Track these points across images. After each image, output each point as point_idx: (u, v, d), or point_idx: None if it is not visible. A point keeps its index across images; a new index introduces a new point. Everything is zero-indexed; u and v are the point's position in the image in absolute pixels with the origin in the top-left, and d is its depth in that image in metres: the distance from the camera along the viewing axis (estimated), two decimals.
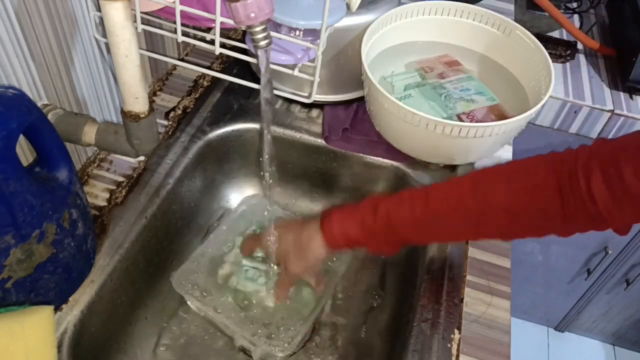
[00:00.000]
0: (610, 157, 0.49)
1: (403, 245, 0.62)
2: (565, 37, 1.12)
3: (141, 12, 0.63)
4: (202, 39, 0.71)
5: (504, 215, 0.55)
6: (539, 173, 0.54)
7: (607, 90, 1.02)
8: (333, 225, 0.62)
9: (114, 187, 0.72)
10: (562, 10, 1.10)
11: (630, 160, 0.47)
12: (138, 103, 0.60)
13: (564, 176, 0.51)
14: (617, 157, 0.49)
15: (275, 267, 0.75)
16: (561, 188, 0.52)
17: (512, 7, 1.12)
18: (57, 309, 0.59)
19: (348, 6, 0.72)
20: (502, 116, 0.77)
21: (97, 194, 0.71)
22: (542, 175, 0.53)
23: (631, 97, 1.01)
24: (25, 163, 0.59)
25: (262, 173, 0.68)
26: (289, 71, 0.67)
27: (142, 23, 0.64)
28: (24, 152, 0.61)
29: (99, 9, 0.63)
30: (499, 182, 0.55)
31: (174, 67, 0.90)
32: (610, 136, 1.03)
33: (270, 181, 0.70)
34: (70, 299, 0.61)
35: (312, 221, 0.65)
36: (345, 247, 0.63)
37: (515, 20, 0.99)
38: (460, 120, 0.75)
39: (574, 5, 1.14)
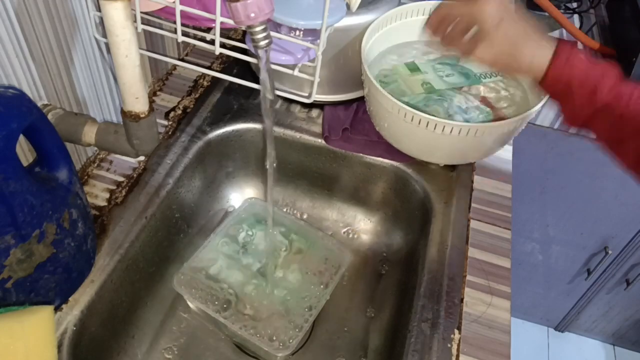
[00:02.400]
0: None
1: (590, 126, 0.58)
2: (565, 37, 1.12)
3: (141, 12, 0.63)
4: (202, 39, 0.71)
5: None
6: None
7: None
8: (571, 58, 0.56)
9: (114, 187, 0.72)
10: (562, 10, 1.10)
11: None
12: (138, 103, 0.60)
13: None
14: None
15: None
16: None
17: (511, 7, 1.12)
18: (57, 309, 0.59)
19: (348, 6, 0.72)
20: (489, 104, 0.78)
21: (97, 194, 0.71)
22: None
23: None
24: (25, 163, 0.59)
25: (266, 166, 0.66)
26: (289, 71, 0.67)
27: (142, 23, 0.64)
28: (24, 152, 0.61)
29: (99, 9, 0.63)
30: None
31: (174, 67, 0.90)
32: None
33: (270, 182, 0.70)
34: (70, 299, 0.61)
35: (548, 39, 0.58)
36: (551, 90, 0.58)
37: None
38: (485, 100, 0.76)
39: (574, 5, 1.14)
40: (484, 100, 0.78)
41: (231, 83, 0.83)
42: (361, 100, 0.83)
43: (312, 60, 0.67)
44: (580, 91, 0.56)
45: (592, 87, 0.56)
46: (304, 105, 0.86)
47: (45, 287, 0.55)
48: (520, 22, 0.60)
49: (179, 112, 0.84)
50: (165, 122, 0.81)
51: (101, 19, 0.59)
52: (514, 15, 0.59)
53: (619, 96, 0.55)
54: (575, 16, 1.16)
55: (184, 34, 0.65)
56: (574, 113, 0.58)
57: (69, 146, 0.65)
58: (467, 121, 0.73)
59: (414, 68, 0.81)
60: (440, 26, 0.65)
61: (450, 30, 0.64)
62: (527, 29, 0.59)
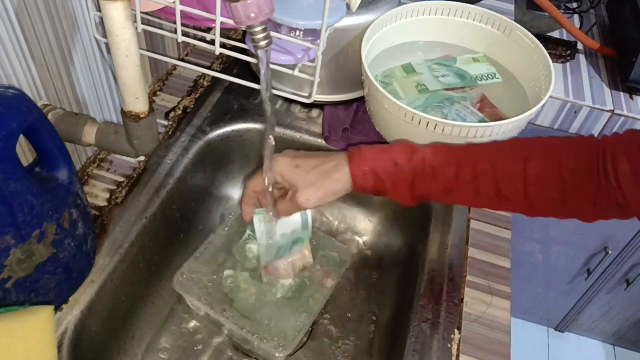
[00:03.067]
0: (635, 143, 0.51)
1: (424, 200, 0.60)
2: (565, 37, 1.12)
3: (141, 12, 0.63)
4: (202, 39, 0.71)
5: (537, 185, 0.55)
6: (576, 154, 0.55)
7: (607, 90, 1.02)
8: (365, 159, 0.59)
9: (114, 187, 0.72)
10: (562, 10, 1.10)
11: None
12: (138, 103, 0.60)
13: (594, 159, 0.53)
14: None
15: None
16: (593, 173, 0.53)
17: (512, 7, 1.12)
18: (57, 309, 0.59)
19: (348, 6, 0.72)
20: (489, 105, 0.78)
21: (97, 194, 0.71)
22: (579, 156, 0.54)
23: (631, 97, 1.01)
24: (25, 163, 0.59)
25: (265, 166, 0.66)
26: (289, 71, 0.67)
27: (142, 23, 0.64)
28: (24, 152, 0.61)
29: (99, 9, 0.63)
30: (537, 152, 0.57)
31: (174, 67, 0.90)
32: None
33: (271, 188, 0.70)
34: (70, 299, 0.61)
35: (336, 153, 0.61)
36: (368, 187, 0.60)
37: (515, 20, 0.99)
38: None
39: (574, 5, 1.14)
40: (483, 101, 0.78)
41: (231, 83, 0.83)
42: (361, 100, 0.83)
43: (312, 60, 0.67)
44: (387, 177, 0.59)
45: (393, 166, 0.59)
46: (304, 105, 0.86)
47: (45, 287, 0.55)
48: (311, 158, 0.62)
49: (179, 112, 0.84)
50: (165, 122, 0.81)
51: (101, 19, 0.59)
52: (305, 155, 0.62)
53: (419, 160, 0.58)
54: (575, 16, 1.16)
55: (184, 34, 0.65)
56: (400, 195, 0.61)
57: (69, 146, 0.65)
58: None
59: (410, 69, 0.81)
60: (253, 207, 0.67)
61: (272, 204, 0.65)
62: (318, 158, 0.62)
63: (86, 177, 0.73)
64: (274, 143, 0.60)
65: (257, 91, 0.64)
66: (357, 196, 0.87)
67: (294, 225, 0.69)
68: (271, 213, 0.65)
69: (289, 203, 0.62)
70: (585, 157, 0.54)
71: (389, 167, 0.58)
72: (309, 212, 0.68)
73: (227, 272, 0.77)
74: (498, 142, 0.61)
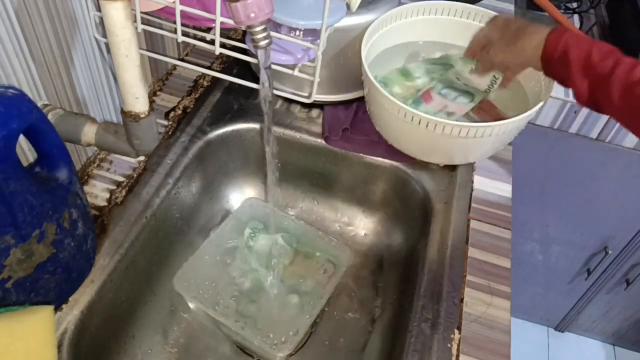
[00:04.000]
0: None
1: (593, 99, 0.61)
2: None
3: (141, 12, 0.63)
4: (202, 39, 0.71)
5: None
6: None
7: None
8: (563, 38, 0.61)
9: (114, 187, 0.72)
10: (562, 10, 1.10)
11: None
12: (138, 103, 0.60)
13: None
14: None
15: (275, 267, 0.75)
16: None
17: (512, 7, 1.12)
18: (57, 309, 0.59)
19: (348, 6, 0.72)
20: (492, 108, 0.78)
21: (97, 194, 0.71)
22: None
23: None
24: (25, 163, 0.59)
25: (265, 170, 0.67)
26: (289, 71, 0.67)
27: (142, 23, 0.64)
28: (24, 152, 0.61)
29: (99, 9, 0.63)
30: None
31: (174, 67, 0.90)
32: (610, 136, 1.03)
33: (273, 184, 0.70)
34: (70, 299, 0.61)
35: (538, 25, 0.65)
36: (555, 63, 0.62)
37: None
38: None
39: (574, 5, 1.14)
40: (484, 102, 0.78)
41: (231, 83, 0.83)
42: (361, 100, 0.83)
43: (312, 60, 0.67)
44: (577, 63, 0.60)
45: (585, 56, 0.60)
46: (304, 105, 0.86)
47: (45, 287, 0.55)
48: (519, 20, 0.68)
49: (179, 112, 0.84)
50: (165, 122, 0.81)
51: (101, 19, 0.59)
52: (516, 18, 0.68)
53: (616, 63, 0.58)
54: (575, 16, 1.16)
55: (184, 34, 0.65)
56: (579, 89, 0.61)
57: (69, 146, 0.65)
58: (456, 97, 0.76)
59: (406, 73, 0.81)
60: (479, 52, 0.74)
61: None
62: (525, 23, 0.67)
63: (86, 177, 0.73)
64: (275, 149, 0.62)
65: (257, 91, 0.64)
66: (357, 196, 0.88)
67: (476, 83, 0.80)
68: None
69: (486, 56, 0.71)
70: None
71: (580, 56, 0.60)
72: None
73: (227, 272, 0.77)
74: None
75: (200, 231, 0.84)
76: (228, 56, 0.86)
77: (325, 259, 0.78)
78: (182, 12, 0.61)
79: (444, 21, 0.86)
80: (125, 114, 0.61)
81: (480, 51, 0.73)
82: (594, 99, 0.61)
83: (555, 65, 0.63)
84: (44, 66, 0.60)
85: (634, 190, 1.11)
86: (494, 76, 0.79)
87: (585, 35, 0.64)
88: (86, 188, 0.71)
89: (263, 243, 0.80)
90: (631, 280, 1.29)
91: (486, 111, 0.78)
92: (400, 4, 0.83)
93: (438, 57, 0.86)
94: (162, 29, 0.70)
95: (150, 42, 0.79)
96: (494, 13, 0.83)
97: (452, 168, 0.80)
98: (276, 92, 0.76)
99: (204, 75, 0.90)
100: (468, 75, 0.80)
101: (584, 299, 1.41)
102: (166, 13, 0.64)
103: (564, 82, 0.63)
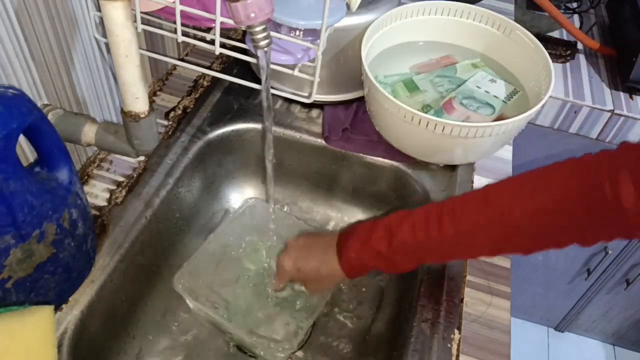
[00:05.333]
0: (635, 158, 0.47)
1: (420, 264, 0.62)
2: (565, 37, 1.12)
3: (141, 12, 0.63)
4: (202, 39, 0.71)
5: (523, 235, 0.53)
6: (560, 186, 0.50)
7: (607, 90, 1.02)
8: (351, 257, 0.62)
9: (114, 187, 0.72)
10: (562, 10, 1.10)
11: None
12: (138, 103, 0.60)
13: (588, 186, 0.48)
14: None
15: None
16: (585, 200, 0.48)
17: (512, 7, 1.12)
18: (57, 309, 0.59)
19: (348, 6, 0.72)
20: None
21: (97, 194, 0.71)
22: (563, 188, 0.50)
23: (631, 97, 1.01)
24: (25, 163, 0.59)
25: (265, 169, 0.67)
26: (289, 71, 0.67)
27: (142, 23, 0.64)
28: (24, 152, 0.61)
29: (99, 9, 0.63)
30: (516, 200, 0.52)
31: (174, 67, 0.90)
32: (610, 135, 1.03)
33: (271, 181, 0.70)
34: (70, 299, 0.61)
35: (329, 250, 0.64)
36: (363, 274, 0.63)
37: (515, 20, 0.99)
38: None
39: (574, 5, 1.14)
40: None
41: (231, 83, 0.83)
42: (361, 100, 0.83)
43: (312, 60, 0.67)
44: (376, 263, 0.61)
45: (377, 255, 0.60)
46: (304, 105, 0.86)
47: (45, 287, 0.55)
48: (310, 259, 0.67)
49: (179, 112, 0.84)
50: (165, 122, 0.81)
51: (101, 19, 0.59)
52: (304, 256, 0.67)
53: (398, 241, 0.58)
54: (575, 16, 1.16)
55: (184, 34, 0.65)
56: (397, 270, 0.61)
57: (69, 146, 0.65)
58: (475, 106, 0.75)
59: (412, 87, 0.80)
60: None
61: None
62: (316, 260, 0.66)
63: (86, 177, 0.73)
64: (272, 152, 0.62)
65: (257, 91, 0.64)
66: (357, 196, 0.88)
67: None
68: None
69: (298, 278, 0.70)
70: (569, 187, 0.50)
71: (374, 259, 0.60)
72: None
73: (227, 272, 0.77)
74: (472, 193, 0.57)
75: (200, 231, 0.84)
76: (228, 56, 0.86)
77: None
78: (182, 12, 0.61)
79: (444, 21, 0.86)
80: (125, 114, 0.61)
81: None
82: (413, 263, 0.61)
83: (362, 272, 0.63)
84: (44, 66, 0.60)
85: None
86: (515, 89, 0.79)
87: (358, 230, 0.62)
88: (86, 188, 0.71)
89: (263, 243, 0.80)
90: (631, 280, 1.29)
91: None
92: (400, 4, 0.83)
93: (442, 67, 0.85)
94: (162, 29, 0.70)
95: (150, 42, 0.79)
96: (495, 13, 0.83)
97: (452, 168, 0.80)
98: (276, 92, 0.76)
99: (204, 75, 0.90)
100: (489, 84, 0.80)
101: (584, 299, 1.41)
102: (166, 13, 0.64)
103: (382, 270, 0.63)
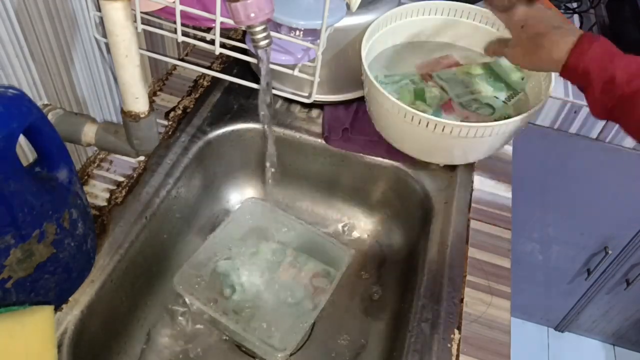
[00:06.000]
0: None
1: (611, 115, 0.58)
2: None
3: (141, 12, 0.63)
4: (202, 39, 0.71)
5: None
6: None
7: None
8: (590, 51, 0.57)
9: (114, 187, 0.72)
10: (562, 10, 1.10)
11: None
12: (138, 103, 0.60)
13: None
14: None
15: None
16: None
17: None
18: (57, 309, 0.59)
19: (348, 6, 0.72)
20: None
21: (97, 194, 0.71)
22: None
23: None
24: (25, 163, 0.59)
25: (265, 167, 0.66)
26: (289, 71, 0.67)
27: (142, 23, 0.64)
28: (24, 152, 0.61)
29: (99, 9, 0.63)
30: None
31: (174, 67, 0.90)
32: (610, 136, 1.03)
33: (270, 181, 0.70)
34: (70, 299, 0.61)
35: (571, 30, 0.59)
36: (571, 74, 0.59)
37: None
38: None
39: (574, 5, 1.14)
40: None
41: (231, 83, 0.83)
42: (361, 100, 0.83)
43: (312, 60, 0.67)
44: (598, 82, 0.57)
45: (609, 78, 0.56)
46: (304, 105, 0.86)
47: (45, 287, 0.55)
48: (541, 18, 0.62)
49: (179, 112, 0.84)
50: (165, 122, 0.81)
51: (101, 19, 0.59)
52: (537, 12, 0.62)
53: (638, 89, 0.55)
54: (576, 16, 1.16)
55: (184, 34, 0.65)
56: (596, 104, 0.59)
57: (69, 146, 0.65)
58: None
59: (422, 97, 0.79)
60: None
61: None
62: (548, 26, 0.61)
63: (86, 177, 0.73)
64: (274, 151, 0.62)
65: (257, 91, 0.64)
66: (358, 196, 0.88)
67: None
68: None
69: (497, 46, 0.67)
70: None
71: (605, 80, 0.56)
72: None
73: (227, 272, 0.77)
74: None
75: (200, 231, 0.84)
76: (228, 56, 0.86)
77: (325, 260, 0.78)
78: (182, 12, 0.61)
79: (444, 21, 0.86)
80: (125, 114, 0.61)
81: (500, 47, 0.68)
82: (612, 115, 0.58)
83: (574, 79, 0.60)
84: (44, 66, 0.60)
85: (634, 190, 1.11)
86: (516, 89, 0.79)
87: (612, 48, 0.59)
88: (86, 188, 0.71)
89: (263, 243, 0.80)
90: (631, 280, 1.29)
91: None
92: (400, 4, 0.83)
93: (442, 56, 0.85)
94: (162, 29, 0.70)
95: (150, 42, 0.79)
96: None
97: (452, 168, 0.80)
98: (276, 92, 0.76)
99: (204, 75, 0.90)
100: (490, 84, 0.80)
101: (584, 299, 1.41)
102: (166, 13, 0.64)
103: (583, 91, 0.60)
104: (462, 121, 0.75)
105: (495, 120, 0.76)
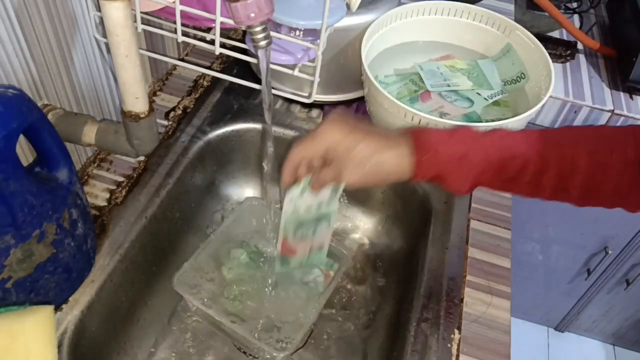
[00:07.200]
0: None
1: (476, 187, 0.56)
2: (565, 37, 1.12)
3: (141, 12, 0.63)
4: (202, 39, 0.71)
5: (593, 178, 0.51)
6: (626, 146, 0.50)
7: (607, 90, 1.02)
8: (430, 151, 0.52)
9: (114, 187, 0.72)
10: (562, 10, 1.10)
11: None
12: (138, 103, 0.60)
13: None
14: None
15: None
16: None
17: (512, 7, 1.12)
18: (57, 309, 0.59)
19: (348, 6, 0.72)
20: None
21: (97, 194, 0.71)
22: (629, 149, 0.49)
23: (631, 97, 1.01)
24: (25, 163, 0.59)
25: (263, 169, 0.65)
26: (289, 71, 0.67)
27: (142, 23, 0.64)
28: (24, 152, 0.61)
29: (99, 9, 0.63)
30: (580, 148, 0.51)
31: (174, 67, 0.90)
32: None
33: (268, 181, 0.70)
34: (70, 299, 0.61)
35: (395, 137, 0.54)
36: (427, 179, 0.54)
37: (515, 20, 0.99)
38: None
39: (574, 5, 1.14)
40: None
41: (231, 83, 0.83)
42: (361, 100, 0.83)
43: (312, 60, 0.67)
44: (452, 168, 0.53)
45: (461, 155, 0.53)
46: (304, 105, 0.86)
47: (45, 287, 0.55)
48: (370, 135, 0.54)
49: (179, 112, 0.84)
50: (165, 122, 0.81)
51: (101, 19, 0.59)
52: (361, 129, 0.54)
53: (483, 149, 0.53)
54: (575, 16, 1.16)
55: (184, 34, 0.65)
56: (459, 185, 0.55)
57: (69, 146, 0.65)
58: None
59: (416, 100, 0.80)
60: (296, 173, 0.58)
61: (312, 175, 0.57)
62: (376, 138, 0.54)
63: (86, 177, 0.73)
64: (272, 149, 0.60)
65: (257, 91, 0.64)
66: (358, 196, 0.88)
67: (322, 198, 0.60)
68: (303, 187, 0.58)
69: (331, 174, 0.55)
70: (634, 150, 0.50)
71: (455, 160, 0.53)
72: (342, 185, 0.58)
73: (227, 272, 0.77)
74: (552, 131, 0.55)
75: (200, 231, 0.84)
76: (228, 56, 0.86)
77: (325, 260, 0.78)
78: (182, 12, 0.61)
79: (444, 21, 0.86)
80: (125, 114, 0.61)
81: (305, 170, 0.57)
82: (478, 186, 0.56)
83: (430, 180, 0.55)
84: (44, 66, 0.60)
85: None
86: (499, 90, 0.79)
87: (441, 138, 0.53)
88: (86, 188, 0.71)
89: (262, 243, 0.80)
90: (631, 280, 1.29)
91: None
92: (400, 4, 0.83)
93: (442, 56, 0.85)
94: (162, 29, 0.70)
95: (150, 42, 0.79)
96: (495, 13, 0.83)
97: None
98: (276, 92, 0.76)
99: (204, 75, 0.90)
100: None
101: (584, 299, 1.41)
102: (166, 13, 0.64)
103: (440, 184, 0.55)
104: (435, 110, 0.75)
105: (468, 114, 0.76)
